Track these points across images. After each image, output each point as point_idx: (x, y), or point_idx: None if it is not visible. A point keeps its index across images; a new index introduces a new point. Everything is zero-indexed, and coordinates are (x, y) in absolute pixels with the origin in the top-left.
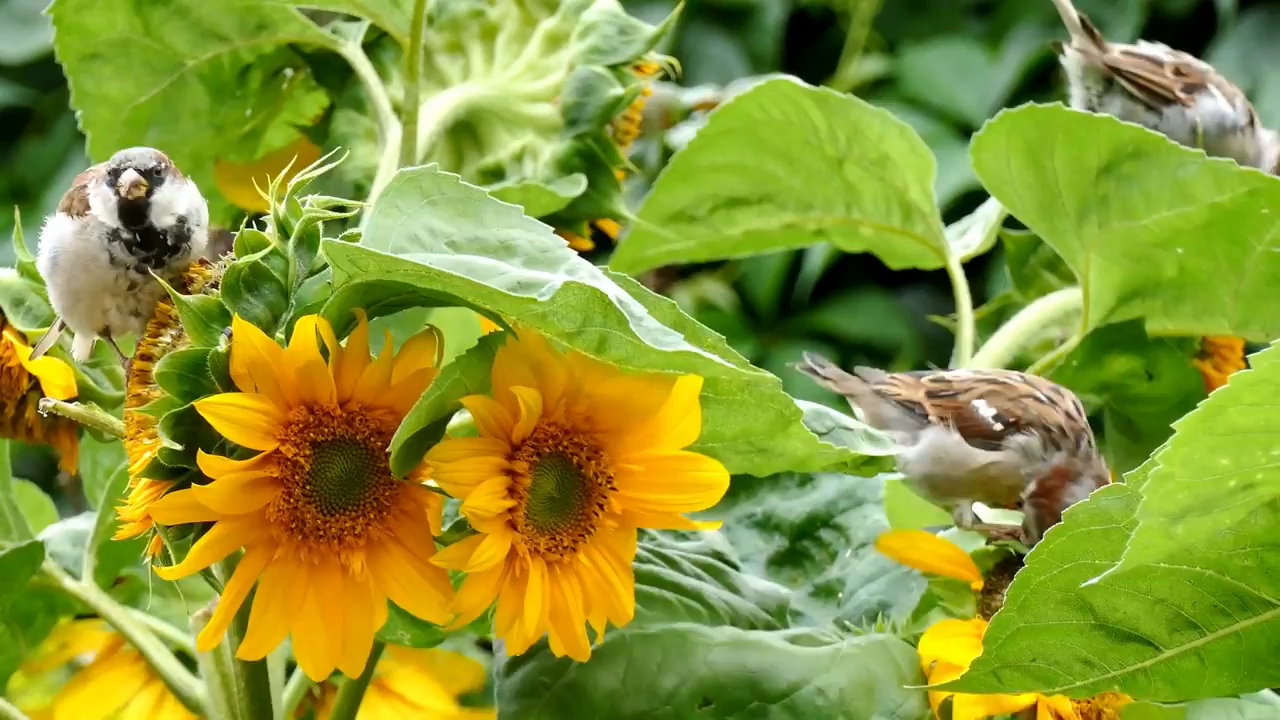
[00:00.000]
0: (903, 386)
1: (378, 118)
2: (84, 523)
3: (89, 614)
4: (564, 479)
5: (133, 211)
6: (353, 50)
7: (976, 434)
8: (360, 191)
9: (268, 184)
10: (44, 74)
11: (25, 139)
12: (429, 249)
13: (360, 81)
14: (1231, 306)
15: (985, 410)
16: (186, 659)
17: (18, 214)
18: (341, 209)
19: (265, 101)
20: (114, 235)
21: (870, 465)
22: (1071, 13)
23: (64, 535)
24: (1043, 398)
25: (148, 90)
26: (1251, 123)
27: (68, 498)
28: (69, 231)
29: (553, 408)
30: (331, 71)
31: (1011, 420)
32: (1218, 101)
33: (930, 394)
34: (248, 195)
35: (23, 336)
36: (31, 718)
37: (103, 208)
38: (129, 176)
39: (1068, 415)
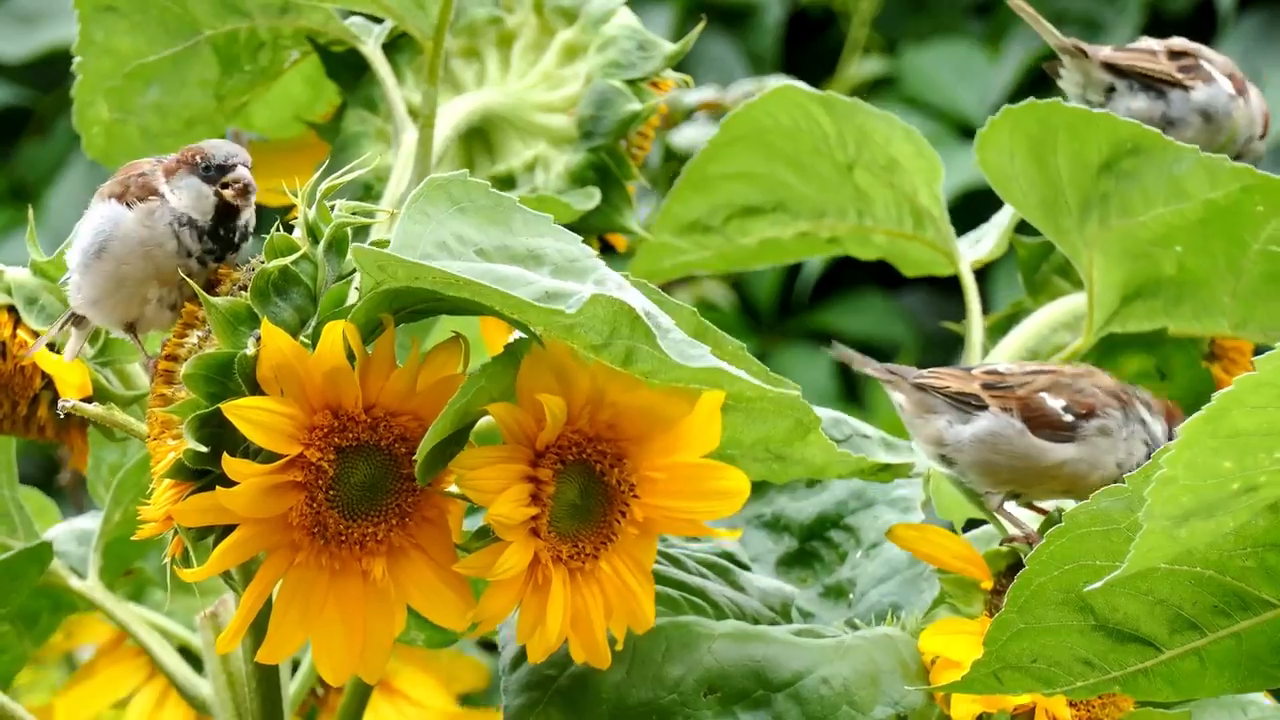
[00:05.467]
0: (951, 379)
1: (392, 119)
2: (90, 521)
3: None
4: (587, 486)
5: (230, 209)
6: (373, 49)
7: (1046, 426)
8: (370, 192)
9: (274, 174)
10: (44, 74)
11: (25, 139)
12: (457, 256)
13: (374, 81)
14: (1230, 306)
15: (1053, 402)
16: (190, 655)
17: (30, 213)
18: (369, 214)
19: (265, 77)
20: (187, 222)
21: (887, 472)
22: (1055, 34)
23: (70, 534)
24: (1085, 371)
25: (159, 50)
26: (1241, 90)
27: (68, 497)
28: (129, 217)
29: (577, 415)
30: (344, 69)
31: (1082, 411)
32: (1216, 81)
33: (986, 386)
34: None
35: (35, 335)
36: (36, 715)
37: (187, 197)
38: (242, 176)
39: (1110, 377)
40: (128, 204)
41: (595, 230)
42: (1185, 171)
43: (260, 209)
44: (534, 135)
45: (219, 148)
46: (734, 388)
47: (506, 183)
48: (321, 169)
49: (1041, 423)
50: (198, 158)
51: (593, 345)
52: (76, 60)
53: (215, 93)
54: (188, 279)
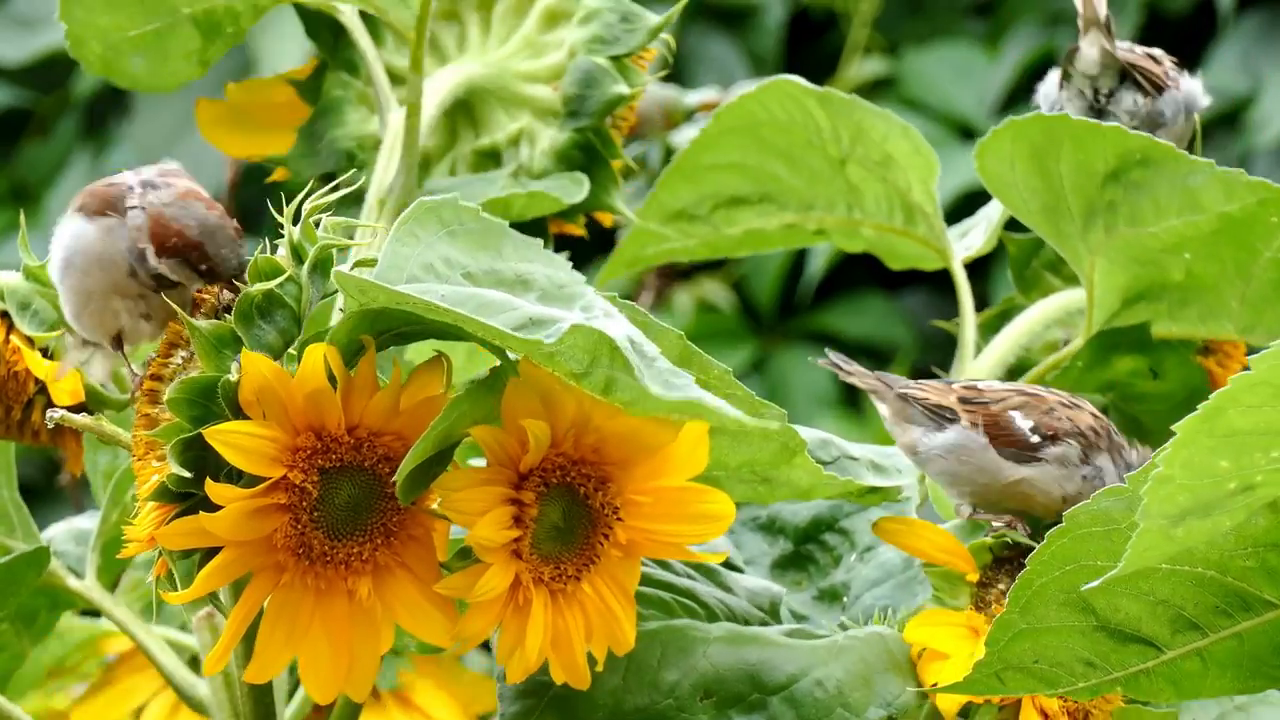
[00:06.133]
0: (932, 392)
1: (373, 85)
2: (88, 521)
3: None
4: (570, 509)
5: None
6: (351, 15)
7: (1009, 444)
8: (352, 160)
9: (256, 133)
10: (44, 76)
11: (25, 141)
12: (444, 280)
13: (353, 43)
14: (1238, 311)
15: (1021, 422)
16: (197, 662)
17: (23, 218)
18: (354, 233)
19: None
20: (143, 262)
21: (874, 494)
22: (1101, 10)
23: (68, 534)
24: (1068, 403)
25: (139, 26)
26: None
27: (68, 498)
28: (90, 232)
29: (561, 439)
30: (324, 28)
31: (1049, 434)
32: (1192, 82)
33: (963, 400)
34: (227, 138)
35: (29, 340)
36: (34, 718)
37: (159, 264)
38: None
39: (1094, 415)
40: (89, 217)
41: (582, 210)
42: (1200, 184)
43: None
44: (518, 106)
45: (230, 264)
46: (713, 419)
47: (491, 157)
48: (306, 191)
49: (1005, 440)
50: (202, 265)
51: (574, 373)
52: (65, 28)
53: (200, 60)
54: (178, 309)
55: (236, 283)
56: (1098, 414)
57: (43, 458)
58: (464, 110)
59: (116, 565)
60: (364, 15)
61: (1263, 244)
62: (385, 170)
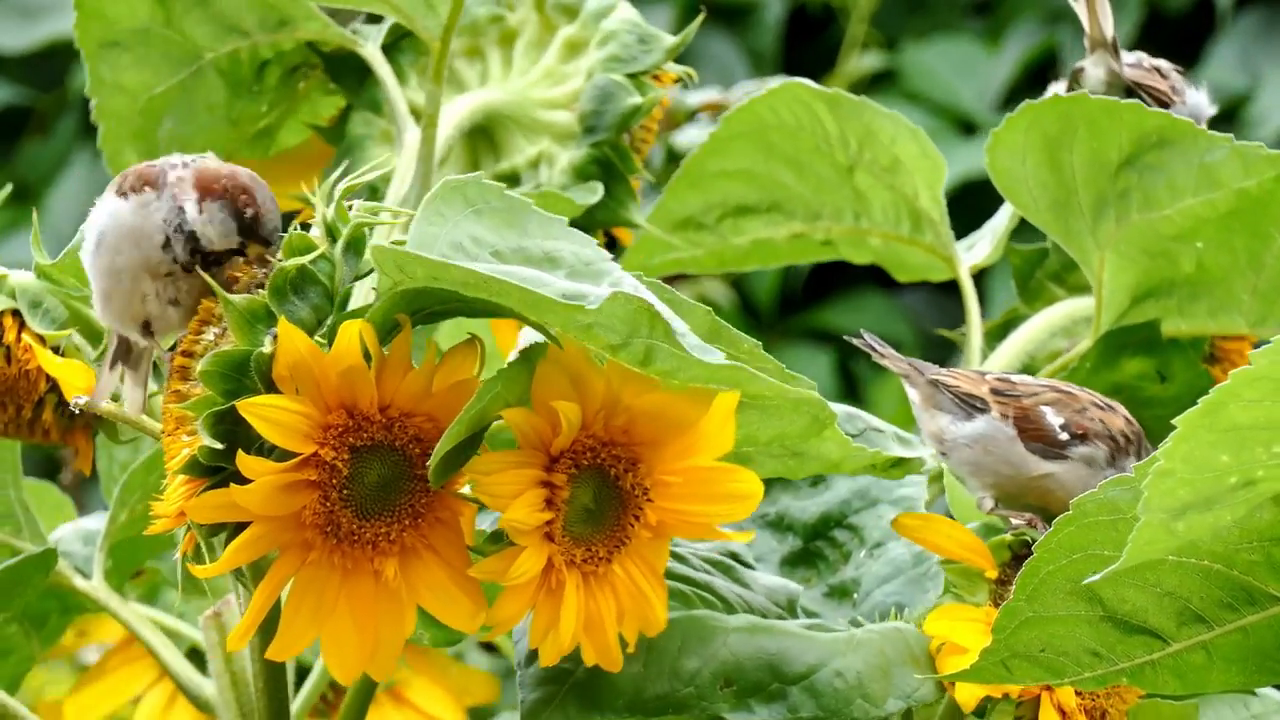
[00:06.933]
0: (964, 380)
1: (394, 120)
2: (96, 522)
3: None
4: (601, 491)
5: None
6: (372, 51)
7: (1038, 439)
8: (375, 194)
9: (280, 183)
10: (45, 73)
11: (26, 139)
12: (473, 258)
13: (377, 83)
14: (1249, 303)
15: (1053, 418)
16: (199, 656)
17: (35, 216)
18: (389, 215)
19: (281, 99)
20: (180, 230)
21: (899, 467)
22: (1107, 30)
23: (75, 534)
24: (1102, 404)
25: (165, 80)
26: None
27: (69, 498)
28: (125, 208)
29: (591, 420)
30: (348, 73)
31: (1079, 432)
32: (1198, 94)
33: (995, 391)
34: None
35: (40, 339)
36: (47, 712)
37: (212, 226)
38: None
39: (1127, 420)
40: (124, 194)
41: (600, 225)
42: (1219, 160)
43: None
44: (538, 132)
45: (272, 222)
46: (752, 387)
47: (510, 180)
48: (340, 170)
49: (1034, 435)
50: (248, 210)
51: (610, 345)
52: (94, 103)
53: (226, 116)
54: (213, 283)
55: (268, 257)
56: (1131, 419)
57: (43, 457)
58: (485, 138)
59: (125, 566)
60: (385, 52)
61: (1275, 229)
62: (401, 182)
